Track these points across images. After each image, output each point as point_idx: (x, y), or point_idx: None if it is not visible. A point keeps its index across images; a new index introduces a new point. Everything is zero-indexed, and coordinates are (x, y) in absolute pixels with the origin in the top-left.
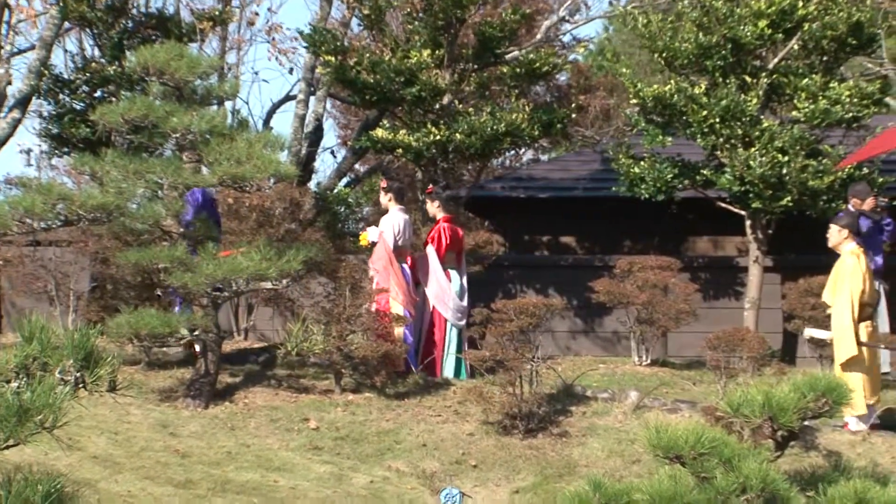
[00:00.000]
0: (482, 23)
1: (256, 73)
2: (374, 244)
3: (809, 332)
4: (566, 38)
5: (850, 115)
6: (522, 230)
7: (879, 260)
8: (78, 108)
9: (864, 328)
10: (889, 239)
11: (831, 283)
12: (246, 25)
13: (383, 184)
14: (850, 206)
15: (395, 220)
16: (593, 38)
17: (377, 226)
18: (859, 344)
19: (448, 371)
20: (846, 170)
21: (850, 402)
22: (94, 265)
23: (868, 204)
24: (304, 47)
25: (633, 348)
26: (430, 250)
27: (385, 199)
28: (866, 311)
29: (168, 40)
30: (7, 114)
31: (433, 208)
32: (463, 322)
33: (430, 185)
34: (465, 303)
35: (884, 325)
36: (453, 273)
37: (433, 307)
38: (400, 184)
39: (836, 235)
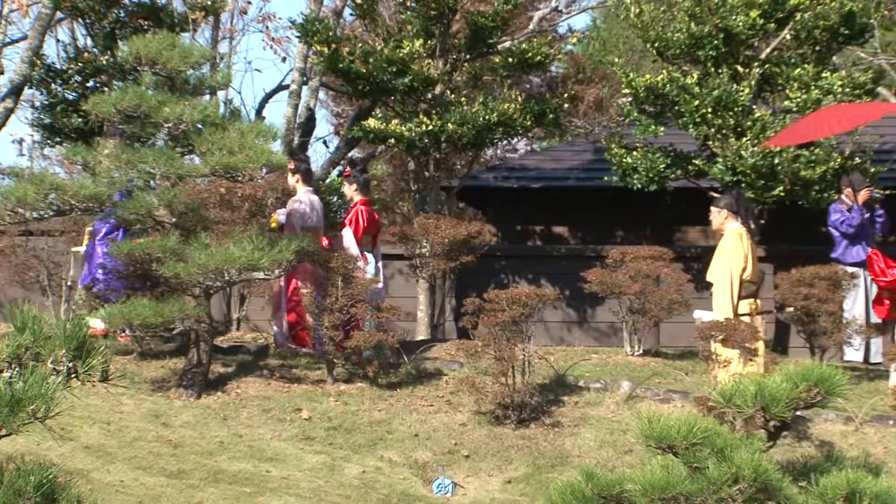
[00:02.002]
0: (474, 12)
1: (250, 63)
2: (283, 227)
3: (699, 314)
4: (562, 29)
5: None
6: (515, 220)
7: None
8: (70, 97)
9: (748, 305)
10: (881, 230)
11: (713, 261)
12: (238, 15)
13: (291, 165)
14: (843, 196)
15: (303, 201)
16: (588, 29)
17: (286, 207)
18: (737, 316)
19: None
20: (838, 160)
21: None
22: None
23: (862, 196)
24: (297, 37)
25: (626, 338)
26: (347, 232)
27: (293, 180)
28: (749, 288)
29: (160, 30)
30: None
31: (350, 191)
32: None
33: (347, 168)
34: (380, 285)
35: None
36: (369, 256)
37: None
38: (307, 165)
39: (718, 217)
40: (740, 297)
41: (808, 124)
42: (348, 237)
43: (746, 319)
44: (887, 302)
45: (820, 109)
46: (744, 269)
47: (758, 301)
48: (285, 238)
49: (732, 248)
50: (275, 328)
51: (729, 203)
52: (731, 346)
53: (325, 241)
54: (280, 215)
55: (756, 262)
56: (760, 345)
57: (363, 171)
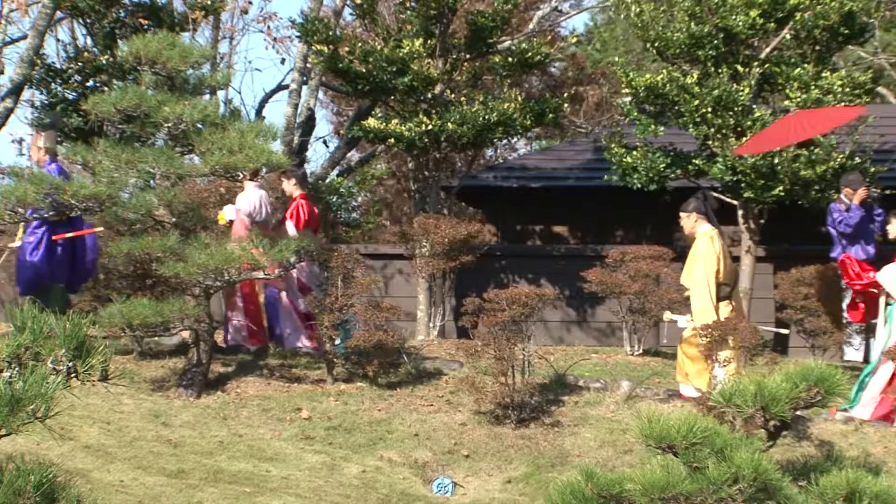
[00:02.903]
0: (474, 12)
1: (251, 62)
2: (231, 222)
3: (668, 315)
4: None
5: (843, 104)
6: (514, 220)
7: (871, 249)
8: (70, 97)
9: (724, 307)
10: (880, 229)
11: (687, 265)
12: (239, 14)
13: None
14: (842, 196)
15: (251, 197)
16: (588, 29)
17: (234, 204)
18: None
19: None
20: (838, 159)
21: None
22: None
23: (859, 195)
24: (297, 37)
25: (626, 338)
26: (290, 226)
27: (289, 185)
28: (723, 290)
29: (160, 30)
30: None
31: (290, 186)
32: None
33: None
34: (316, 269)
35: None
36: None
37: (300, 284)
38: (303, 170)
39: (688, 221)
40: (718, 300)
41: (774, 132)
42: (291, 231)
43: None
44: (861, 306)
45: (785, 116)
46: (718, 271)
47: (733, 303)
48: (285, 238)
49: (705, 250)
50: (230, 327)
51: (697, 206)
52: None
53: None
54: (227, 211)
55: (729, 262)
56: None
57: (299, 166)
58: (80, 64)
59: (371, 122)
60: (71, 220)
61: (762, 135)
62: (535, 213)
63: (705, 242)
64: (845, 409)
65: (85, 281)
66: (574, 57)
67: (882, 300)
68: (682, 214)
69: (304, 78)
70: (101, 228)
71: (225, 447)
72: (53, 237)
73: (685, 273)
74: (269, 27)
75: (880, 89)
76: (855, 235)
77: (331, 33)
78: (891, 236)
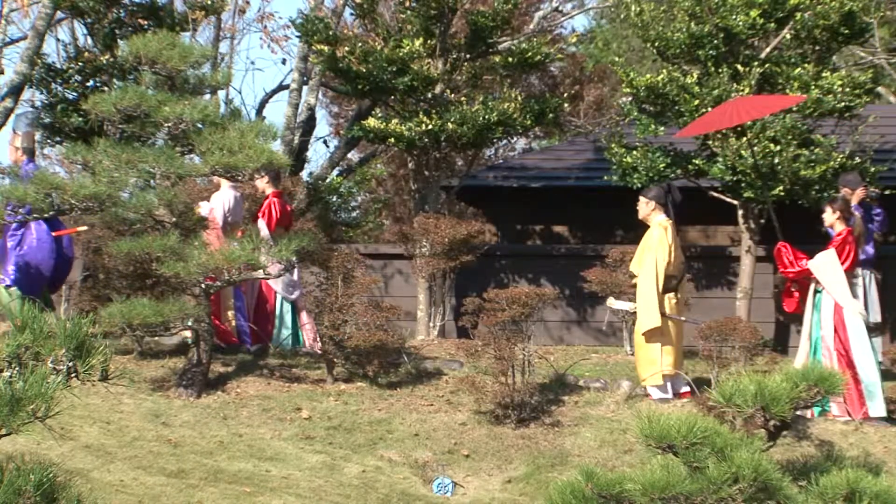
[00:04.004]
0: (474, 12)
1: (253, 63)
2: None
3: (612, 302)
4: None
5: (843, 104)
6: (515, 220)
7: (870, 249)
8: (70, 97)
9: (669, 299)
10: (879, 229)
11: (639, 253)
12: (238, 14)
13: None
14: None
15: (225, 197)
16: (588, 29)
17: (208, 202)
18: (662, 315)
19: (284, 343)
20: (838, 159)
21: (650, 374)
22: (86, 255)
23: (857, 195)
24: (297, 36)
25: (626, 338)
26: (262, 224)
27: (216, 177)
28: (671, 282)
29: (160, 29)
30: None
31: (262, 184)
32: (294, 295)
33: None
34: (295, 276)
35: (875, 314)
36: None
37: (262, 281)
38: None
39: (645, 207)
40: (665, 291)
41: (712, 116)
42: (263, 229)
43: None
44: (796, 294)
45: (725, 102)
46: (668, 263)
47: (678, 295)
48: (285, 238)
49: (658, 240)
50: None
51: (657, 195)
52: (655, 341)
53: (239, 235)
54: (201, 209)
55: (679, 256)
56: (672, 340)
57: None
58: (80, 64)
59: (371, 121)
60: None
61: (701, 119)
62: (535, 213)
63: (659, 233)
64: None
65: (63, 281)
66: (573, 56)
67: (812, 287)
68: (641, 198)
69: (304, 78)
70: (85, 228)
71: (225, 447)
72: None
73: (635, 261)
74: (265, 27)
75: (880, 89)
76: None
77: (331, 33)
78: None
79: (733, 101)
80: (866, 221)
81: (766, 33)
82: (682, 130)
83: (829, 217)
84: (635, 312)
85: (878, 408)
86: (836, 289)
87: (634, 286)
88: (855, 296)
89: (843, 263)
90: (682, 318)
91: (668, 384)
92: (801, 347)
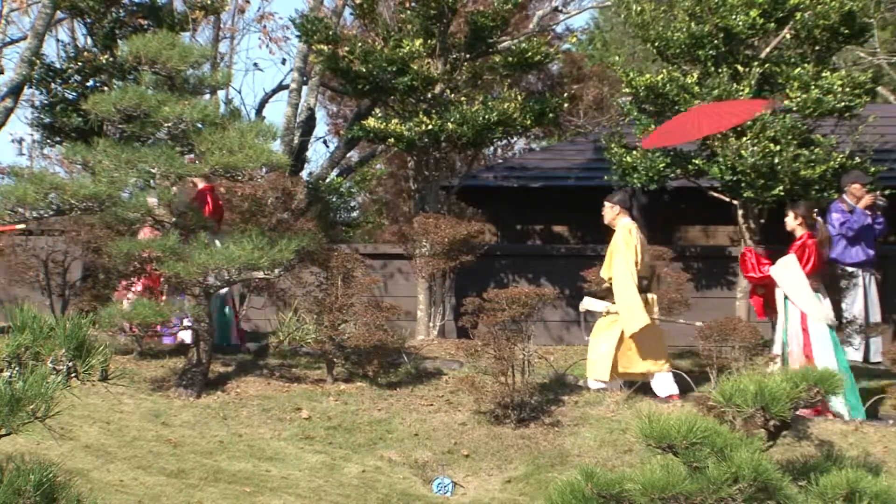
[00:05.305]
0: (474, 12)
1: (255, 64)
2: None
3: (586, 302)
4: (560, 28)
5: (843, 104)
6: (514, 219)
7: (871, 252)
8: (70, 97)
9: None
10: (879, 234)
11: (607, 259)
12: (237, 14)
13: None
14: (844, 196)
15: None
16: (585, 28)
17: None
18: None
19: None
20: (838, 159)
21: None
22: (86, 254)
23: (865, 201)
24: (297, 36)
25: None
26: None
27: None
28: (642, 283)
29: (160, 29)
30: None
31: (195, 178)
32: (222, 290)
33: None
34: None
35: (875, 314)
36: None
37: None
38: None
39: (610, 212)
40: None
41: (677, 125)
42: None
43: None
44: (761, 299)
45: (689, 109)
46: (635, 264)
47: (649, 296)
48: (285, 238)
49: (624, 243)
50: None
51: (622, 199)
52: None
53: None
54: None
55: (647, 257)
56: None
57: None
58: (79, 64)
59: (371, 121)
60: None
61: (664, 128)
62: (535, 213)
63: (624, 235)
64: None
65: None
66: (569, 54)
67: (780, 293)
68: (606, 203)
69: (304, 78)
70: (23, 226)
71: (225, 447)
72: None
73: (605, 267)
74: (265, 27)
75: (880, 89)
76: (855, 237)
77: (331, 33)
78: None
79: (696, 110)
80: (869, 227)
81: (766, 33)
82: (646, 140)
83: (791, 222)
84: (609, 313)
85: (837, 403)
86: (796, 294)
87: (607, 290)
88: (845, 297)
89: (804, 268)
90: (657, 319)
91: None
92: (773, 352)
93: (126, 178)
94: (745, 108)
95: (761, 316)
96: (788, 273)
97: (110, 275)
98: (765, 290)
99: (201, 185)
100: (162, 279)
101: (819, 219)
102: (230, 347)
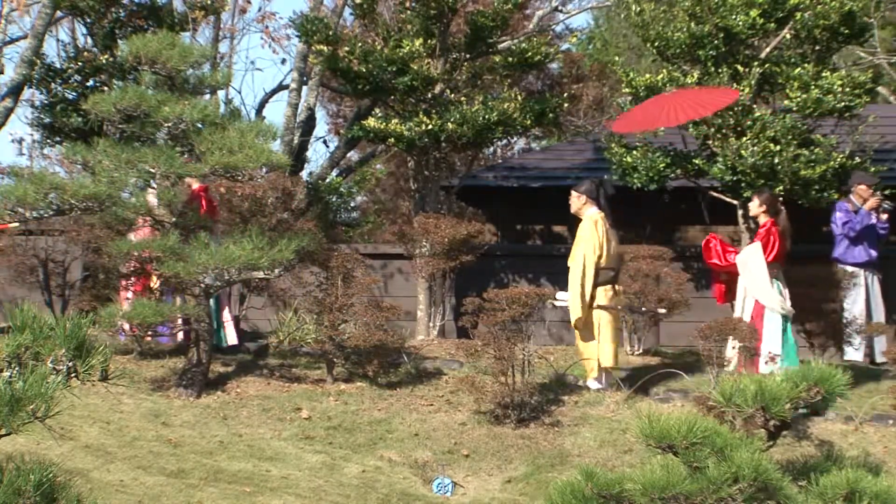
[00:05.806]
0: (474, 12)
1: (253, 63)
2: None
3: (557, 296)
4: (559, 28)
5: (843, 104)
6: (514, 219)
7: (874, 252)
8: (70, 97)
9: (604, 292)
10: (883, 236)
11: (573, 248)
12: (238, 14)
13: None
14: (851, 196)
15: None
16: (585, 28)
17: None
18: (590, 307)
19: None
20: (839, 159)
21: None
22: (85, 254)
23: (870, 203)
24: (297, 36)
25: (626, 338)
26: None
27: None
28: (606, 275)
29: (160, 29)
30: None
31: (189, 179)
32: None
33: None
34: None
35: (879, 315)
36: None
37: None
38: None
39: (577, 202)
40: (597, 284)
41: (647, 111)
42: None
43: (603, 304)
44: (723, 285)
45: (661, 95)
46: (600, 256)
47: (616, 287)
48: (285, 238)
49: (588, 234)
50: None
51: (588, 189)
52: (589, 339)
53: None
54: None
55: (614, 248)
56: (608, 333)
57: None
58: (79, 64)
59: (371, 121)
60: None
61: (637, 110)
62: (535, 213)
63: (588, 226)
64: None
65: None
66: (569, 54)
67: (741, 280)
68: (573, 192)
69: (304, 78)
70: (16, 224)
71: (225, 447)
72: None
73: (571, 256)
74: (266, 27)
75: (880, 89)
76: (858, 238)
77: (330, 33)
78: None
79: (671, 95)
80: (873, 228)
81: (765, 33)
82: (616, 123)
83: (755, 208)
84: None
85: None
86: (755, 284)
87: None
88: (845, 297)
89: (768, 255)
90: (615, 307)
91: (603, 376)
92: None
93: (126, 178)
94: (719, 96)
95: (721, 301)
96: (752, 261)
97: (110, 275)
98: (727, 277)
99: (195, 185)
100: (154, 279)
101: (783, 208)
102: (229, 348)
